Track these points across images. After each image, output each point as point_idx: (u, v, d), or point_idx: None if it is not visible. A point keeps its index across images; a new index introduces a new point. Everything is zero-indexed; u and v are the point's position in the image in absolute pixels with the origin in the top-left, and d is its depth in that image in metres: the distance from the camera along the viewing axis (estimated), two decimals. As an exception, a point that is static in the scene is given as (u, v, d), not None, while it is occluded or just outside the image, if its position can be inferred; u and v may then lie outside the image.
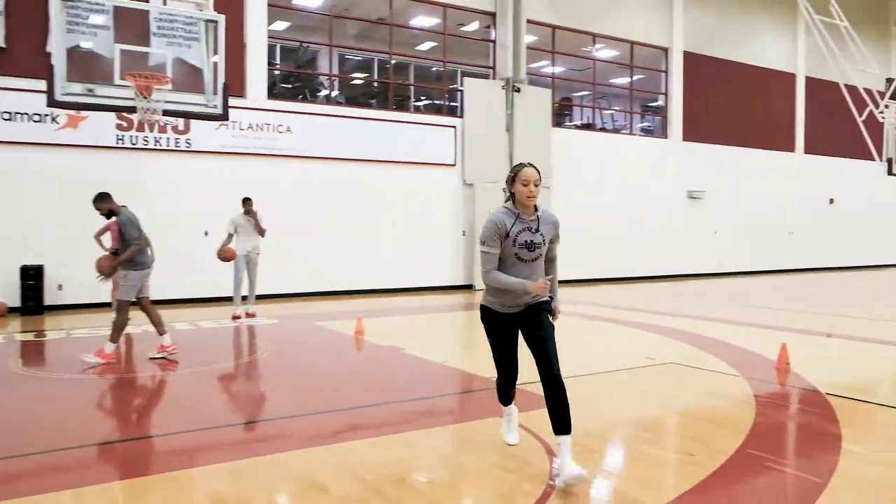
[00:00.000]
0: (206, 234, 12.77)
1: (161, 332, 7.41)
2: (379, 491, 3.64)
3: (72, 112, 11.66)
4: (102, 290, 10.25)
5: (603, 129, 19.68)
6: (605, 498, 3.62)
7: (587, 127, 19.57)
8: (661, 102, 19.71)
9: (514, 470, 3.93)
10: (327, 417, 5.19)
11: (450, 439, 4.68)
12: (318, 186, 14.16)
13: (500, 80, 16.55)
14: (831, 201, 22.03)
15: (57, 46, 7.96)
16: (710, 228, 19.50)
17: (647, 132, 20.27)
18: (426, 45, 18.33)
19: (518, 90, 16.53)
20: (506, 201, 3.84)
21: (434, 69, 19.82)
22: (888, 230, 24.04)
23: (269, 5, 13.88)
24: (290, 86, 15.84)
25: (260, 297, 11.27)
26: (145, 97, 8.22)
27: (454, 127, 15.91)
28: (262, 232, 10.35)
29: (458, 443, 4.59)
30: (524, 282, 3.70)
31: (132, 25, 8.76)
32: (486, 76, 17.02)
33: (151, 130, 12.58)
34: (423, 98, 18.81)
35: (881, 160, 16.77)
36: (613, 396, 5.82)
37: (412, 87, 18.90)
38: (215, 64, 8.83)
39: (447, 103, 17.22)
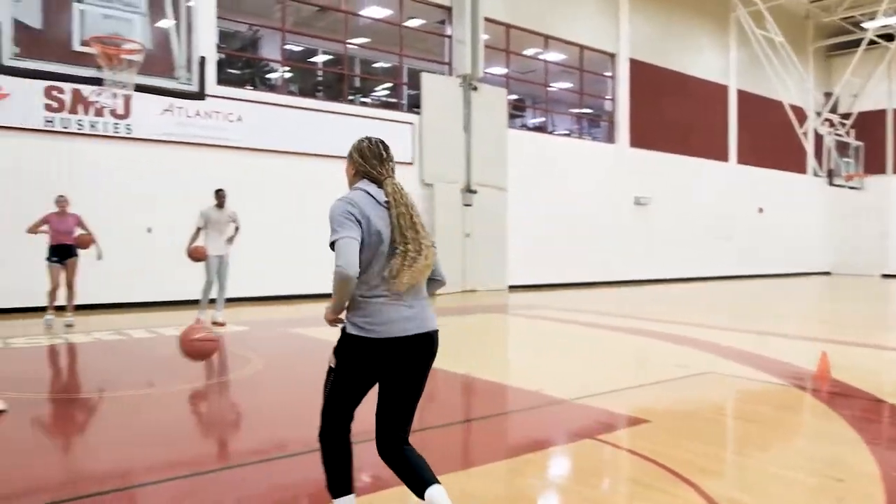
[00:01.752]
0: (149, 230, 11.45)
1: None
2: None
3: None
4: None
5: (552, 133, 19.47)
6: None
7: (539, 129, 19.30)
8: (608, 108, 19.74)
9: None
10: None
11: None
12: (270, 181, 13.03)
13: (457, 76, 15.94)
14: (760, 210, 22.83)
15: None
16: (654, 234, 19.65)
17: (593, 137, 20.24)
18: (360, 39, 17.46)
19: (475, 88, 15.97)
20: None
21: (377, 64, 18.96)
22: (814, 240, 25.12)
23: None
24: (238, 72, 14.57)
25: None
26: (112, 69, 7.05)
27: (411, 123, 15.14)
28: (237, 230, 9.34)
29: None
30: None
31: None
32: (437, 72, 16.34)
33: (87, 113, 11.11)
34: (370, 92, 17.90)
35: (821, 172, 17.43)
36: (710, 412, 5.28)
37: (360, 80, 17.98)
38: (187, 36, 7.76)
39: (398, 100, 16.40)
